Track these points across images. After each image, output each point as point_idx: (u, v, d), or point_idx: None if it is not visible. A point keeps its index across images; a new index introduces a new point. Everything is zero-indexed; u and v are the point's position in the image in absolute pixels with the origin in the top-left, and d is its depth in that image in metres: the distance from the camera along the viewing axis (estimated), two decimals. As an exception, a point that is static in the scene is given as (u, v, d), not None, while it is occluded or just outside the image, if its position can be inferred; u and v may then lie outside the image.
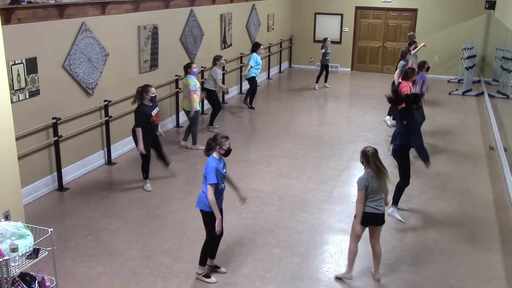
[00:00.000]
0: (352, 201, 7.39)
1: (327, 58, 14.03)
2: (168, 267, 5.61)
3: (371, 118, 11.36)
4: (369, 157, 5.21)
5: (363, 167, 5.35)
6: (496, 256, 6.01)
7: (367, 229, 5.36)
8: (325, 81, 14.48)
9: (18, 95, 6.70)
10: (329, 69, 14.60)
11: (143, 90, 7.29)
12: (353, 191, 7.63)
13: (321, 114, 12.13)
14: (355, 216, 5.34)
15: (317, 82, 14.28)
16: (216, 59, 10.30)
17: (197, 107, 9.02)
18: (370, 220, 5.26)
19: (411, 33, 14.03)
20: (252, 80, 11.89)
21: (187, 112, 9.15)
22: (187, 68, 9.08)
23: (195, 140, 9.30)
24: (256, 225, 6.60)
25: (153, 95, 7.31)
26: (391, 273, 5.61)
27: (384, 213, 5.33)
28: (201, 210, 5.28)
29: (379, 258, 5.46)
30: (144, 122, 7.24)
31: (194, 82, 8.97)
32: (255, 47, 11.87)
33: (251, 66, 11.66)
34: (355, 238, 5.36)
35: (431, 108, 12.61)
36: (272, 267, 5.67)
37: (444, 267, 5.74)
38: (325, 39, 14.21)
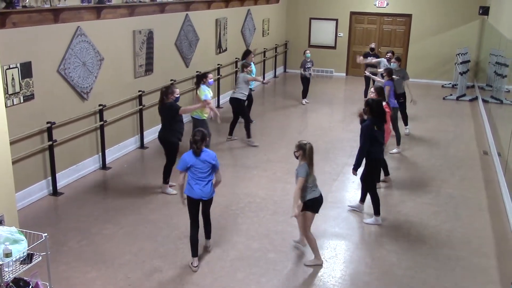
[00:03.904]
0: (347, 205, 7.41)
1: (304, 72, 12.92)
2: (163, 272, 5.60)
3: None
4: (307, 151, 5.68)
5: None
6: (491, 260, 6.03)
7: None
8: (303, 97, 13.31)
9: (13, 100, 6.67)
10: (323, 74, 14.31)
11: (168, 91, 7.35)
12: (348, 196, 7.66)
13: (316, 119, 12.14)
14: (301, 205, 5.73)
15: (303, 97, 13.28)
16: (245, 66, 10.12)
17: (202, 116, 8.52)
18: (319, 204, 5.77)
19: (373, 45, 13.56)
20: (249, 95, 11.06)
21: (195, 120, 8.60)
22: (202, 78, 8.64)
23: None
24: (251, 230, 6.60)
25: (178, 95, 7.42)
26: (386, 278, 5.62)
27: (321, 195, 5.86)
28: (212, 198, 5.79)
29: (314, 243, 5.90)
30: (177, 110, 7.29)
31: (205, 92, 8.51)
32: (245, 54, 11.04)
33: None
34: (308, 228, 5.78)
35: (425, 113, 12.67)
36: (267, 271, 5.66)
37: (439, 272, 5.75)
38: (304, 52, 13.25)
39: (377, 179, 7.21)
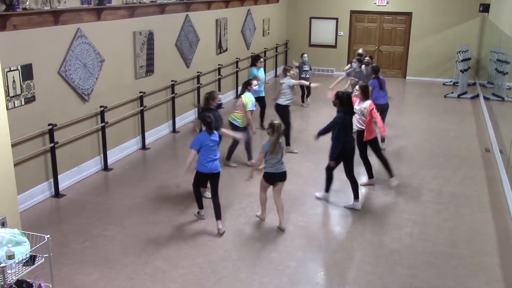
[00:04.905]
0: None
1: (302, 76, 12.61)
2: (165, 273, 5.60)
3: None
4: (275, 129, 6.40)
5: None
6: (494, 258, 6.02)
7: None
8: (303, 100, 13.11)
9: (14, 102, 6.68)
10: (324, 73, 14.28)
11: (210, 97, 7.36)
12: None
13: (317, 119, 12.12)
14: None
15: (303, 101, 13.09)
16: (286, 70, 9.82)
17: (242, 124, 8.41)
18: (273, 178, 6.52)
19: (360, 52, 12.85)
20: (261, 100, 10.79)
21: (234, 126, 8.41)
22: (247, 85, 8.60)
23: (229, 155, 8.73)
24: (253, 230, 6.60)
25: (220, 102, 7.40)
26: (389, 277, 5.61)
27: (283, 172, 6.54)
28: (219, 172, 6.63)
29: (281, 210, 6.63)
30: (219, 124, 7.27)
31: (252, 102, 8.47)
32: (255, 60, 10.77)
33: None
34: (262, 191, 6.69)
35: (426, 111, 12.66)
36: (269, 271, 5.66)
37: (442, 270, 5.75)
38: (302, 54, 12.90)
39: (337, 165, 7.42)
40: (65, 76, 7.58)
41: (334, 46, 17.06)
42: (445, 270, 5.74)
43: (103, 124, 8.43)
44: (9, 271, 3.90)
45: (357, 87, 8.08)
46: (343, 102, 7.05)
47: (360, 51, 12.84)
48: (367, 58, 11.35)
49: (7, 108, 5.47)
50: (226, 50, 13.04)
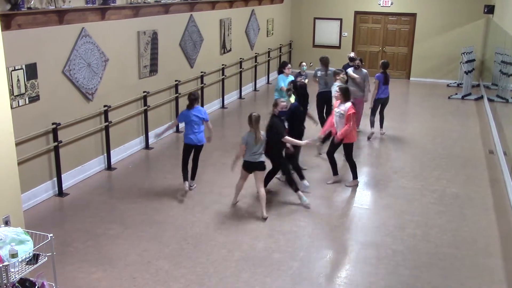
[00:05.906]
0: (354, 205, 7.42)
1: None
2: (168, 272, 5.61)
3: (365, 122, 11.28)
4: (252, 120, 6.81)
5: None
6: (497, 260, 6.01)
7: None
8: None
9: (18, 101, 6.70)
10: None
11: (274, 103, 7.42)
12: (351, 195, 7.64)
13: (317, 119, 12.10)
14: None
15: None
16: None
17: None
18: (250, 167, 6.94)
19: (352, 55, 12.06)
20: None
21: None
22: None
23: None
24: (255, 230, 6.60)
25: (282, 110, 7.35)
26: (391, 278, 5.60)
27: (261, 162, 6.92)
28: (203, 145, 7.57)
29: (263, 199, 6.92)
30: (283, 132, 7.21)
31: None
32: (282, 66, 10.25)
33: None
34: (240, 179, 7.14)
35: (430, 112, 12.64)
36: (272, 272, 5.66)
37: (445, 271, 5.73)
38: (300, 63, 11.33)
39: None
40: (69, 76, 7.60)
41: (338, 47, 17.03)
42: (448, 271, 5.73)
43: (107, 123, 8.45)
44: (12, 270, 3.91)
45: (337, 88, 8.03)
46: (297, 91, 7.93)
47: (352, 54, 12.02)
48: (357, 61, 10.73)
49: (11, 107, 5.48)
50: (230, 50, 13.04)
